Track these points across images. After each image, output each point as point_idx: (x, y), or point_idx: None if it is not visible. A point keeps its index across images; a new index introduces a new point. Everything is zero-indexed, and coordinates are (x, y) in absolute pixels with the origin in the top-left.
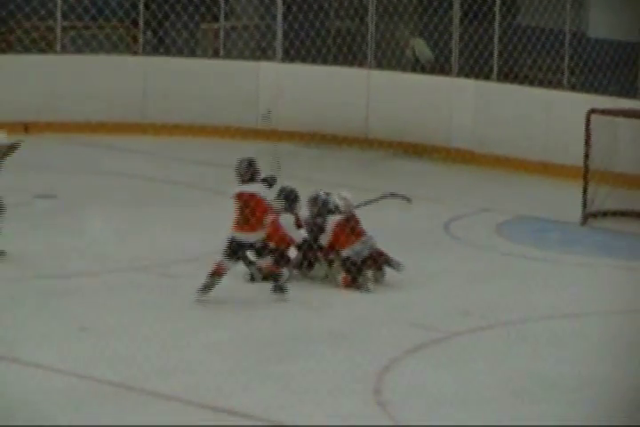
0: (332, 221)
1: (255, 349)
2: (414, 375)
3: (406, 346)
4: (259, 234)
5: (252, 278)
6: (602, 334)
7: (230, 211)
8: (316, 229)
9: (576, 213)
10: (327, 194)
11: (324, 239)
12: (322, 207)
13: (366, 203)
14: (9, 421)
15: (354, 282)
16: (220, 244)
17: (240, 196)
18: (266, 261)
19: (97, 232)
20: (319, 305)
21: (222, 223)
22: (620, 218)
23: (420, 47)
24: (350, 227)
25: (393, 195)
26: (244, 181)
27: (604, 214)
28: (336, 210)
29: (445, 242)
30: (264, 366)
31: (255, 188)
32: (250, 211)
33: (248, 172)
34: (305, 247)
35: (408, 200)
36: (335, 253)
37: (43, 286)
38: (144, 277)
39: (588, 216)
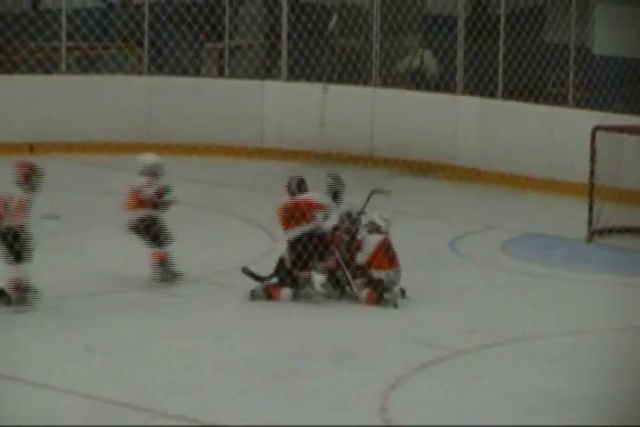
0: (375, 240)
1: (261, 367)
2: (420, 393)
3: (412, 364)
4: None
5: (253, 295)
6: (608, 350)
7: (232, 230)
8: (349, 246)
9: (582, 230)
10: (359, 213)
11: (362, 257)
12: (353, 224)
13: (362, 209)
14: None
15: (380, 299)
16: (223, 263)
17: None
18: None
19: (101, 252)
20: (325, 322)
21: (226, 242)
22: (625, 235)
23: (428, 59)
24: (391, 251)
25: (374, 191)
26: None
27: (610, 231)
28: (376, 230)
29: (451, 260)
30: (270, 384)
31: (307, 195)
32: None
33: (299, 190)
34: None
35: (388, 194)
36: (364, 271)
37: (47, 306)
38: (148, 297)
39: (594, 233)
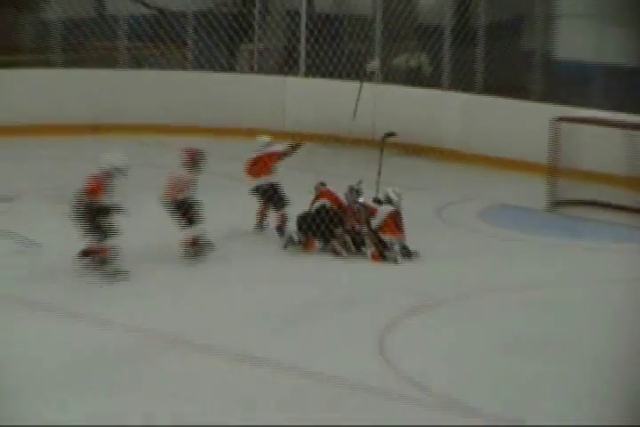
0: (387, 210)
1: (280, 312)
2: (413, 334)
3: (405, 309)
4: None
5: (291, 241)
6: (568, 301)
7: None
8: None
9: (545, 202)
10: (359, 184)
11: (375, 223)
12: (358, 196)
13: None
14: (85, 373)
15: (381, 256)
16: (251, 223)
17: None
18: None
19: (154, 215)
20: (336, 275)
21: (253, 207)
22: (580, 206)
23: (424, 61)
24: (399, 220)
25: (387, 135)
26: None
27: (568, 203)
28: (388, 202)
29: (437, 225)
30: (287, 326)
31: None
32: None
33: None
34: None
35: (394, 135)
36: (373, 233)
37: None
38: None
39: (555, 204)
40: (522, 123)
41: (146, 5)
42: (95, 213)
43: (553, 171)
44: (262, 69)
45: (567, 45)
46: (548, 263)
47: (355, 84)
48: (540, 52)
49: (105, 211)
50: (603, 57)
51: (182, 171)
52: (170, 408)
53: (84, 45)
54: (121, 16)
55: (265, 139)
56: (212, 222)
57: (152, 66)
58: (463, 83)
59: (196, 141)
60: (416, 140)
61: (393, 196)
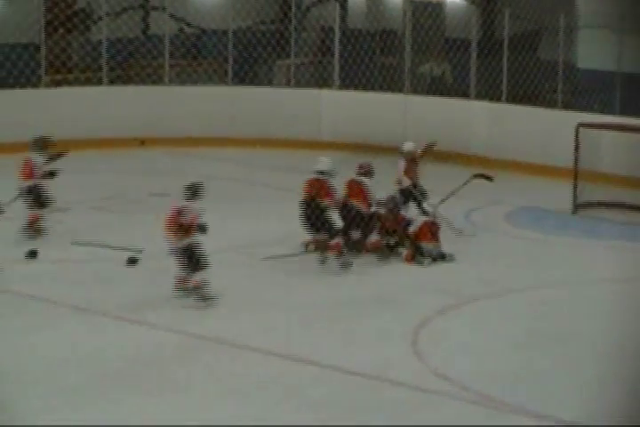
0: (421, 220)
1: (322, 311)
2: (443, 330)
3: (437, 308)
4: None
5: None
6: (589, 298)
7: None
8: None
9: (568, 205)
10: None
11: (412, 230)
12: (395, 207)
13: (454, 191)
14: (130, 371)
15: (413, 259)
16: (292, 230)
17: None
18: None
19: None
20: (372, 275)
21: (292, 214)
22: (602, 208)
23: (447, 70)
24: (434, 230)
25: (476, 176)
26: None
27: (590, 205)
28: (425, 213)
29: (465, 228)
30: (329, 323)
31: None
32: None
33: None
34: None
35: (490, 179)
36: (410, 240)
37: (150, 264)
38: (235, 256)
39: (578, 207)
40: (546, 130)
41: (188, 24)
42: (321, 212)
43: (577, 175)
44: (299, 83)
45: (589, 55)
46: (571, 263)
47: (386, 95)
48: (562, 63)
49: (325, 209)
50: (622, 66)
51: (365, 179)
52: (220, 406)
53: (131, 63)
54: (165, 35)
55: (410, 144)
56: (247, 229)
57: (195, 81)
58: (489, 92)
59: (235, 152)
60: (445, 146)
61: (428, 208)
